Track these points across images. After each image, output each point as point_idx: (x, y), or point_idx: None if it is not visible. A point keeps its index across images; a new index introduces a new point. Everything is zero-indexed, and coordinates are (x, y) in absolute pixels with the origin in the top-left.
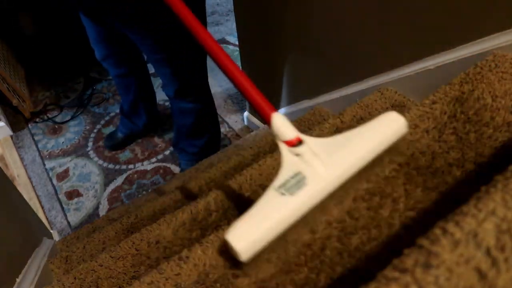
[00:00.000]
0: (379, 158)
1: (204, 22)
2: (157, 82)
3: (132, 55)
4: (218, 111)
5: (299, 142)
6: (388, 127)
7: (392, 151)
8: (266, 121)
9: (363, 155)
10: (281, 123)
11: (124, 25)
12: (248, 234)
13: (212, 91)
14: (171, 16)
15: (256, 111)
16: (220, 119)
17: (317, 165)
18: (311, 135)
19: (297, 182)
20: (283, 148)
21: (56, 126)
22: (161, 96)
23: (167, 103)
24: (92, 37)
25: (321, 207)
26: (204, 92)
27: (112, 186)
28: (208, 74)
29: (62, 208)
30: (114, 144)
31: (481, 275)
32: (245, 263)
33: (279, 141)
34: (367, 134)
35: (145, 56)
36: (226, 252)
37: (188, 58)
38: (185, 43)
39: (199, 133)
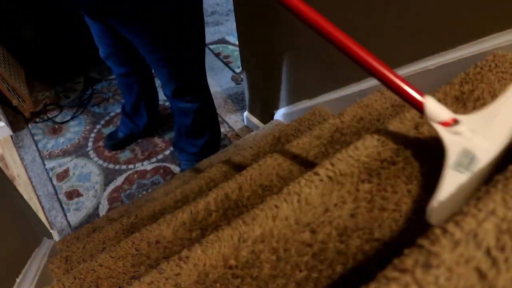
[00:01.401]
0: None
1: (202, 21)
2: (158, 82)
3: (135, 54)
4: (218, 111)
5: (454, 122)
6: None
7: None
8: (417, 106)
9: None
10: (436, 105)
11: (124, 24)
12: (447, 209)
13: (212, 91)
14: (170, 16)
15: (401, 98)
16: (220, 119)
17: (481, 141)
18: (311, 134)
19: (470, 159)
20: (440, 129)
21: (56, 126)
22: (161, 96)
23: (167, 103)
24: (96, 35)
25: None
26: (203, 92)
27: (112, 186)
28: (208, 74)
29: (62, 208)
30: (115, 143)
31: (481, 275)
32: None
33: (434, 122)
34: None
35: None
36: (226, 252)
37: (187, 58)
38: (184, 43)
39: (199, 133)
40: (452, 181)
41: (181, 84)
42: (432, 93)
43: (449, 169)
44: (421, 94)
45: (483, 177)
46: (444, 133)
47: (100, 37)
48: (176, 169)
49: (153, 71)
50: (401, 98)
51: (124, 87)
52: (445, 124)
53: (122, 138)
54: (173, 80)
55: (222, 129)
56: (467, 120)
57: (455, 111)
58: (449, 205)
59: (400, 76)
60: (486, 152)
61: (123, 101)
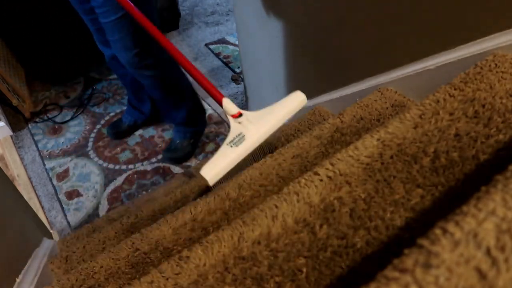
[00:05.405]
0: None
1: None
2: None
3: None
4: (218, 111)
5: (240, 115)
6: (294, 102)
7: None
8: (219, 103)
9: (278, 120)
10: (229, 104)
11: None
12: (214, 170)
13: None
14: None
15: (212, 97)
16: (220, 119)
17: (251, 128)
18: (311, 134)
19: (240, 138)
20: (231, 120)
21: (56, 126)
22: None
23: None
24: (98, 40)
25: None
26: (163, 64)
27: (112, 186)
28: (208, 74)
29: (62, 208)
30: (118, 132)
31: (481, 275)
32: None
33: (228, 115)
34: (280, 108)
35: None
36: (226, 252)
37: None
38: (145, 3)
39: (175, 105)
40: (223, 152)
41: (140, 49)
42: (432, 93)
43: (225, 144)
44: (222, 95)
45: (249, 151)
46: (232, 122)
47: (102, 42)
48: (176, 169)
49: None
50: (211, 96)
51: (124, 80)
52: (233, 116)
53: (126, 127)
54: (132, 44)
55: (222, 129)
56: (249, 114)
57: (455, 111)
58: (220, 168)
59: (211, 83)
60: (252, 134)
61: (123, 101)
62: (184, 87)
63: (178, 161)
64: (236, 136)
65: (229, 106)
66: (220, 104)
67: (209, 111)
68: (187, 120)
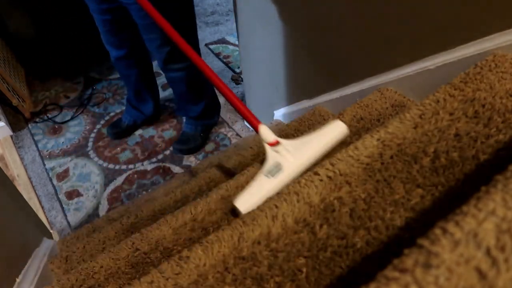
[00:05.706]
0: (329, 150)
1: (193, 20)
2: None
3: (140, 53)
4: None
5: (277, 143)
6: (334, 132)
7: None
8: (255, 130)
9: (318, 151)
10: (266, 131)
11: None
12: (250, 202)
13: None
14: None
15: (248, 123)
16: (220, 119)
17: (289, 158)
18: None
19: (277, 169)
20: (267, 147)
21: (56, 126)
22: (161, 95)
23: (167, 103)
24: (105, 40)
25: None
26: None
27: (112, 186)
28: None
29: (62, 208)
30: (118, 131)
31: (481, 275)
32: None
33: (264, 143)
34: (320, 137)
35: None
36: (226, 252)
37: (178, 20)
38: (174, 4)
39: (195, 99)
40: (259, 182)
41: (172, 47)
42: (432, 93)
43: (261, 173)
44: (259, 122)
45: (286, 183)
46: (269, 150)
47: (110, 43)
48: (176, 169)
49: (145, 40)
50: (247, 121)
51: (125, 79)
52: (270, 144)
53: (125, 127)
54: (165, 43)
55: (222, 129)
56: (286, 143)
57: (455, 111)
58: (255, 200)
59: (248, 108)
60: (290, 165)
61: (123, 101)
62: (206, 82)
63: (189, 152)
64: (274, 166)
65: (266, 133)
66: (256, 131)
67: None
68: (201, 114)
